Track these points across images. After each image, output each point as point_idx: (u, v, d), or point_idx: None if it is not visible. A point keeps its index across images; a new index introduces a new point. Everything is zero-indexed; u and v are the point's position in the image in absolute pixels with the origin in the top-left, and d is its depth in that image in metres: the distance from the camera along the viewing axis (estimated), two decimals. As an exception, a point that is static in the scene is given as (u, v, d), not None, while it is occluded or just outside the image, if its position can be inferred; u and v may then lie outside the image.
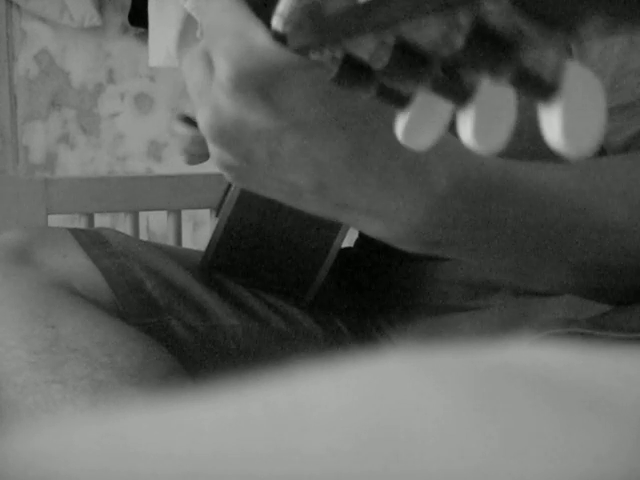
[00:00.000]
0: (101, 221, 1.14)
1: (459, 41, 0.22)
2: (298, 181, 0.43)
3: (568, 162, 0.45)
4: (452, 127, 0.27)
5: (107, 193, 1.15)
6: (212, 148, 0.45)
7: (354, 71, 0.29)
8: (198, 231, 2.23)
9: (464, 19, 0.22)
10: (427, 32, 0.24)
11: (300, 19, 0.33)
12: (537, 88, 0.23)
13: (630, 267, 0.50)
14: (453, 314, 0.72)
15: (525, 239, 0.48)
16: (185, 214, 1.24)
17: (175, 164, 2.28)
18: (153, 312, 0.70)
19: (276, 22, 0.37)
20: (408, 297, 0.76)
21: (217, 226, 0.72)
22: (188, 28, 0.94)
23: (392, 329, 0.77)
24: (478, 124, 0.25)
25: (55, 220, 1.09)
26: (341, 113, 0.41)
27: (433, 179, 0.43)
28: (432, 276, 0.74)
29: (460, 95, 0.26)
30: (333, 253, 0.72)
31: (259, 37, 0.38)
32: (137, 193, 1.16)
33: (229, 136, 0.42)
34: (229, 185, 0.76)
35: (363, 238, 0.83)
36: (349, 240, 0.78)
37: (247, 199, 0.70)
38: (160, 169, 2.41)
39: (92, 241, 0.75)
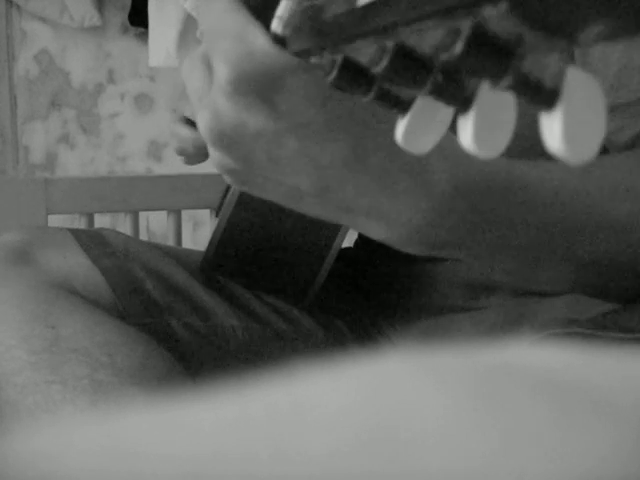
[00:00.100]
0: (101, 221, 1.14)
1: (459, 46, 0.22)
2: (298, 184, 0.43)
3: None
4: (453, 127, 0.27)
5: (107, 193, 1.15)
6: (212, 152, 0.45)
7: (353, 75, 0.29)
8: (198, 231, 2.23)
9: (463, 25, 0.22)
10: (426, 37, 0.24)
11: (300, 22, 0.33)
12: (537, 94, 0.23)
13: (637, 264, 0.50)
14: (453, 314, 0.72)
15: (529, 239, 0.47)
16: (185, 214, 1.24)
17: (175, 164, 2.28)
18: (153, 312, 0.70)
19: (276, 25, 0.37)
20: (408, 298, 0.76)
21: (217, 226, 0.72)
22: (188, 28, 0.94)
23: (392, 329, 0.77)
24: (478, 129, 0.25)
25: (55, 220, 1.09)
26: (341, 115, 0.41)
27: (434, 180, 0.43)
28: (432, 277, 0.74)
29: (460, 100, 0.26)
30: (333, 254, 0.72)
31: (258, 40, 0.38)
32: (137, 193, 1.16)
33: (229, 139, 0.42)
34: (229, 185, 0.76)
35: (363, 239, 0.83)
36: (349, 240, 0.78)
37: (247, 199, 0.70)
38: (160, 169, 2.41)
39: (92, 241, 0.75)
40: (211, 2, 0.40)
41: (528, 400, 0.15)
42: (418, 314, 0.75)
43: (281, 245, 0.72)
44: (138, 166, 2.42)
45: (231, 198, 0.71)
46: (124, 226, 1.15)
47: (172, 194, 1.17)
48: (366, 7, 0.26)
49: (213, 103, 0.41)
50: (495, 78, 0.23)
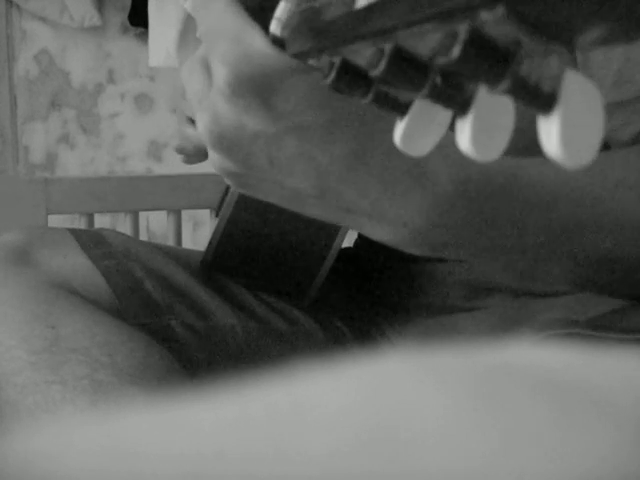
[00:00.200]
0: (101, 221, 1.14)
1: (456, 50, 0.22)
2: (299, 186, 0.43)
3: None
4: (452, 127, 0.27)
5: (107, 193, 1.15)
6: (212, 154, 0.45)
7: (351, 77, 0.29)
8: (198, 231, 2.23)
9: (461, 28, 0.22)
10: (424, 40, 0.24)
11: (298, 24, 0.33)
12: (535, 98, 0.23)
13: None
14: (453, 315, 0.72)
15: (533, 237, 0.47)
16: (185, 214, 1.24)
17: (175, 164, 2.28)
18: (153, 312, 0.70)
19: (274, 26, 0.37)
20: (408, 297, 0.76)
21: (217, 226, 0.72)
22: (188, 28, 0.94)
23: (392, 329, 0.77)
24: (476, 132, 0.25)
25: (55, 220, 1.09)
26: (340, 116, 0.41)
27: (435, 180, 0.43)
28: (432, 277, 0.74)
29: (458, 103, 0.26)
30: (333, 253, 0.72)
31: (257, 42, 0.38)
32: (137, 193, 1.16)
33: (228, 141, 0.42)
34: (229, 185, 0.76)
35: (363, 239, 0.83)
36: (349, 240, 0.78)
37: (247, 199, 0.70)
38: (160, 169, 2.41)
39: (92, 241, 0.75)
40: (209, 3, 0.40)
41: (528, 400, 0.15)
42: (418, 314, 0.75)
43: (281, 245, 0.72)
44: (138, 166, 2.42)
45: (231, 198, 0.71)
46: (124, 226, 1.15)
47: (172, 194, 1.17)
48: (364, 10, 0.26)
49: (212, 106, 0.41)
50: (492, 82, 0.23)
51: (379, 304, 0.78)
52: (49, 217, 1.11)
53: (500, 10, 0.20)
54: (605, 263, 0.50)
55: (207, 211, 1.19)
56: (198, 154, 0.75)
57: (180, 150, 0.77)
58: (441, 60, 0.23)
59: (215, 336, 0.72)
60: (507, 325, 0.68)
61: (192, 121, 0.77)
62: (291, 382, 0.17)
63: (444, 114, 0.28)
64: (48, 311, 0.64)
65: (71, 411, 0.58)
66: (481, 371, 0.16)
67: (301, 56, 0.33)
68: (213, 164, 0.46)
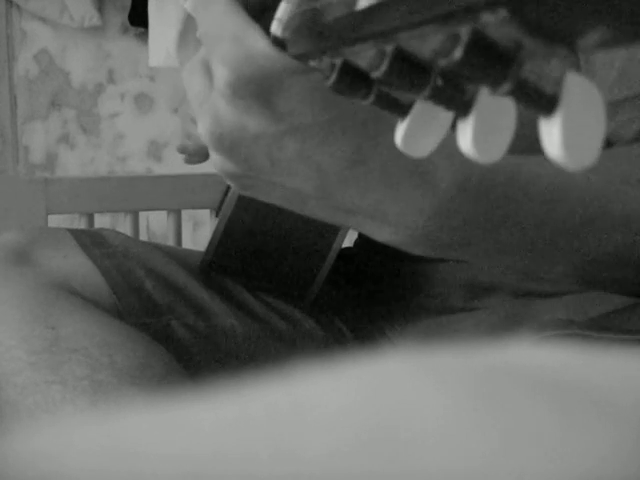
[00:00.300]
0: (101, 221, 1.14)
1: (458, 52, 0.22)
2: (300, 187, 0.43)
3: None
4: (454, 127, 0.27)
5: (107, 193, 1.15)
6: (214, 156, 0.45)
7: (353, 78, 0.29)
8: (198, 231, 2.23)
9: (463, 30, 0.22)
10: (426, 42, 0.24)
11: (299, 25, 0.33)
12: (536, 99, 0.23)
13: None
14: (453, 315, 0.72)
15: (537, 235, 0.47)
16: (185, 214, 1.24)
17: (175, 164, 2.28)
18: (153, 312, 0.71)
19: (275, 27, 0.37)
20: (408, 297, 0.76)
21: (217, 226, 0.72)
22: (188, 28, 0.94)
23: (392, 329, 0.77)
24: (477, 133, 0.25)
25: (55, 220, 1.09)
26: (341, 117, 0.41)
27: (436, 181, 0.43)
28: (432, 277, 0.74)
29: (459, 104, 0.26)
30: (333, 254, 0.72)
31: (258, 43, 0.38)
32: (137, 193, 1.16)
33: (230, 143, 0.42)
34: (229, 185, 0.76)
35: (363, 239, 0.83)
36: (349, 240, 0.78)
37: (247, 200, 0.70)
38: (160, 169, 2.41)
39: (92, 241, 0.75)
40: (210, 4, 0.40)
41: (528, 400, 0.15)
42: (418, 314, 0.75)
43: (281, 245, 0.72)
44: (138, 166, 2.42)
45: (231, 198, 0.71)
46: (124, 226, 1.15)
47: (172, 194, 1.17)
48: (366, 11, 0.26)
49: (213, 107, 0.41)
50: (494, 84, 0.23)
51: (379, 304, 0.78)
52: (49, 217, 1.11)
53: (502, 12, 0.20)
54: (612, 260, 0.50)
55: (207, 211, 1.19)
56: (200, 154, 0.75)
57: (182, 150, 0.77)
58: (443, 62, 0.23)
59: (215, 336, 0.72)
60: (507, 325, 0.68)
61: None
62: (291, 382, 0.17)
63: (445, 115, 0.28)
64: (48, 311, 0.64)
65: (71, 411, 0.58)
66: (481, 371, 0.16)
67: (302, 57, 0.33)
68: (215, 165, 0.46)
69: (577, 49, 0.21)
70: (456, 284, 0.72)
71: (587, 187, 0.47)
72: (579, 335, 0.48)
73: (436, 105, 0.26)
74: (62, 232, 0.75)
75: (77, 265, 0.71)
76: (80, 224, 1.12)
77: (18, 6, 2.29)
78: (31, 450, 0.15)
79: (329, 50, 0.29)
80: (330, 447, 0.14)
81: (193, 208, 1.22)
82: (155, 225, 2.22)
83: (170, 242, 1.19)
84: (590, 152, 0.23)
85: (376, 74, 0.26)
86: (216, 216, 0.79)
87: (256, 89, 0.39)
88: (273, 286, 0.75)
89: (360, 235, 0.82)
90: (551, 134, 0.23)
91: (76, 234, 0.75)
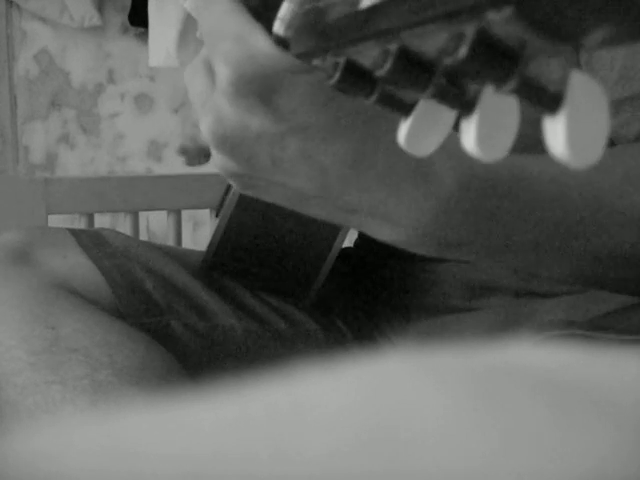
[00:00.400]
0: (101, 221, 1.14)
1: (463, 51, 0.22)
2: (302, 186, 0.43)
3: None
4: (456, 126, 0.27)
5: (107, 193, 1.15)
6: (216, 156, 0.45)
7: (356, 78, 0.29)
8: (198, 231, 2.23)
9: (468, 29, 0.22)
10: (430, 41, 0.24)
11: (302, 24, 0.33)
12: (541, 98, 0.23)
13: None
14: (453, 315, 0.72)
15: (539, 234, 0.47)
16: (185, 214, 1.24)
17: (175, 164, 2.28)
18: (153, 312, 0.70)
19: (277, 27, 0.37)
20: (408, 297, 0.76)
21: (217, 226, 0.72)
22: (188, 28, 0.94)
23: (392, 329, 0.77)
24: (481, 132, 0.25)
25: (55, 220, 1.09)
26: (343, 116, 0.41)
27: (439, 180, 0.43)
28: (432, 277, 0.74)
29: (463, 103, 0.26)
30: (334, 254, 0.72)
31: (260, 42, 0.38)
32: (137, 193, 1.16)
33: (232, 142, 0.42)
34: (229, 185, 0.76)
35: (363, 238, 0.83)
36: (349, 240, 0.78)
37: (248, 199, 0.70)
38: (160, 169, 2.41)
39: (92, 241, 0.75)
40: (211, 4, 0.40)
41: (528, 400, 0.15)
42: (418, 314, 0.75)
43: (281, 245, 0.72)
44: (138, 166, 2.42)
45: (231, 198, 0.71)
46: (124, 226, 1.15)
47: (172, 194, 1.17)
48: (369, 10, 0.26)
49: (215, 106, 0.41)
50: (499, 82, 0.23)
51: (379, 304, 0.78)
52: (49, 217, 1.11)
53: (508, 10, 0.20)
54: (616, 259, 0.49)
55: (207, 211, 1.19)
56: (200, 155, 0.75)
57: (183, 151, 0.77)
58: (448, 60, 0.23)
59: (215, 336, 0.72)
60: (507, 325, 0.68)
61: None
62: (291, 382, 0.16)
63: (449, 114, 0.28)
64: (48, 311, 0.64)
65: (71, 411, 0.58)
66: (481, 371, 0.16)
67: (305, 56, 0.32)
68: (217, 165, 0.46)
69: (581, 47, 0.21)
70: (456, 284, 0.72)
71: (588, 186, 0.47)
72: (579, 335, 0.48)
73: (440, 104, 0.26)
74: (62, 232, 0.75)
75: (77, 265, 0.71)
76: (80, 224, 1.12)
77: (18, 6, 2.29)
78: (31, 450, 0.15)
79: (332, 49, 0.29)
80: (330, 447, 0.14)
81: (193, 208, 1.22)
82: (155, 225, 2.22)
83: (170, 242, 1.19)
84: (594, 150, 0.23)
85: (380, 73, 0.26)
86: (216, 216, 0.79)
87: (258, 88, 0.39)
88: (273, 286, 0.75)
89: (360, 235, 0.82)
90: (555, 132, 0.23)
91: (76, 234, 0.75)
